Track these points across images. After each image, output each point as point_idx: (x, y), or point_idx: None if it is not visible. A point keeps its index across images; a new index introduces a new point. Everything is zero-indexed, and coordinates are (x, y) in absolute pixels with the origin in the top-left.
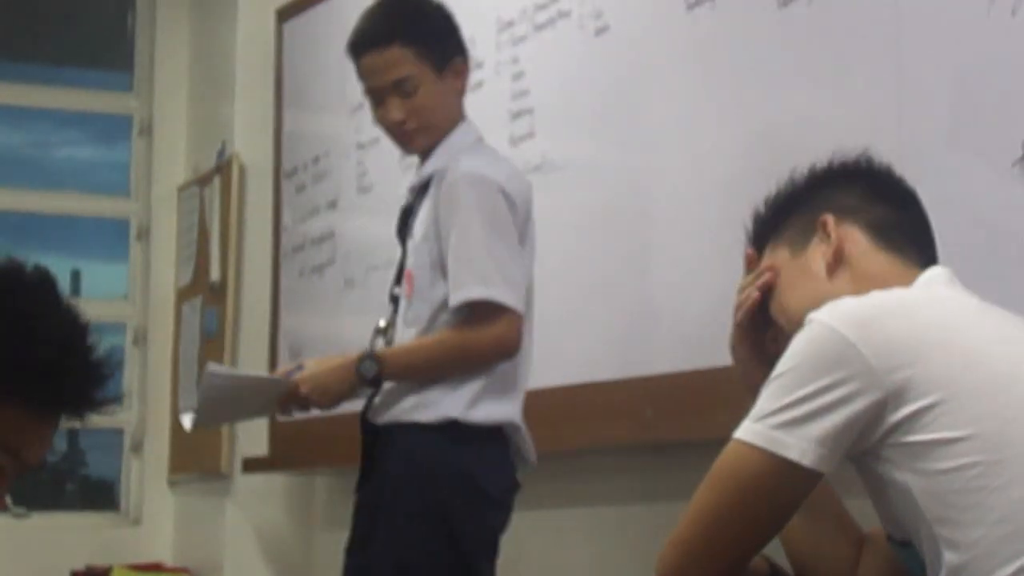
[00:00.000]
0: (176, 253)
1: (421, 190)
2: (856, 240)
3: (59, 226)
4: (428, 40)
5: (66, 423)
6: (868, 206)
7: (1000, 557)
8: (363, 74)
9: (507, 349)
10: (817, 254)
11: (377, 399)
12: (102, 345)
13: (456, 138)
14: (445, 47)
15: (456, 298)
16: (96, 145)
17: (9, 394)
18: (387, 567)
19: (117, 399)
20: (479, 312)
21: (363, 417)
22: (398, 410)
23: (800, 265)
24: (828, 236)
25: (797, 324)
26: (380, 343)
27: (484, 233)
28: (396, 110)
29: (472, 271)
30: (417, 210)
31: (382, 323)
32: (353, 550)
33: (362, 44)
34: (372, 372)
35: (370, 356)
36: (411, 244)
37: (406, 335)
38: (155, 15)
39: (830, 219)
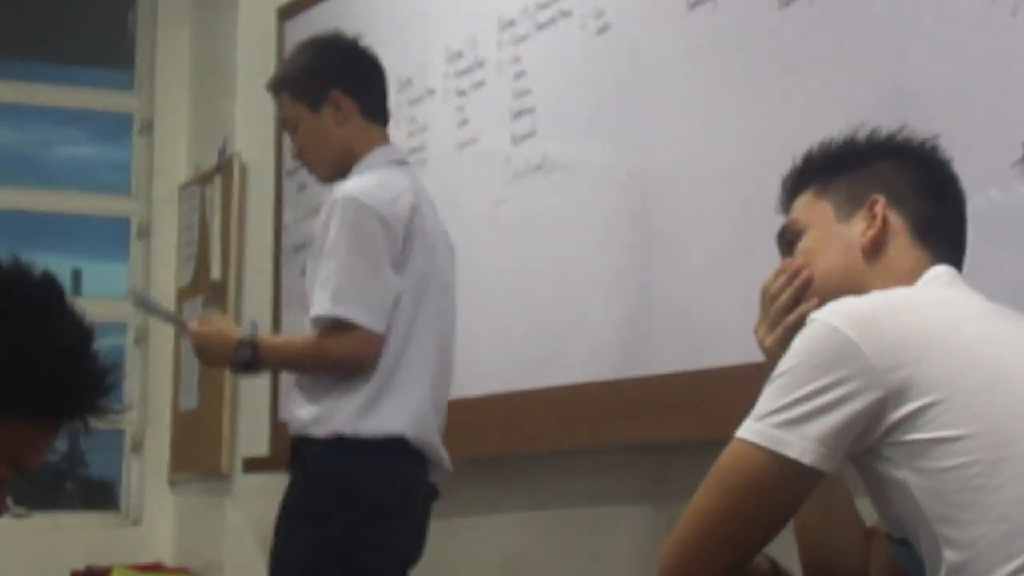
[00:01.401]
0: (177, 252)
1: None
2: (898, 231)
3: (60, 225)
4: (299, 81)
5: (68, 428)
6: (918, 198)
7: (1000, 555)
8: None
9: (354, 364)
10: (859, 231)
11: (288, 411)
12: (105, 350)
13: (365, 163)
14: (318, 84)
15: (311, 313)
16: (97, 144)
17: (15, 408)
18: (273, 568)
19: (119, 407)
20: (333, 327)
21: None
22: (298, 424)
23: (841, 233)
24: (874, 218)
25: (817, 289)
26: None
27: (348, 254)
28: (291, 148)
29: (329, 289)
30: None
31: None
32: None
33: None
34: (246, 356)
35: (249, 342)
36: (310, 261)
37: None
38: (156, 14)
39: (882, 201)
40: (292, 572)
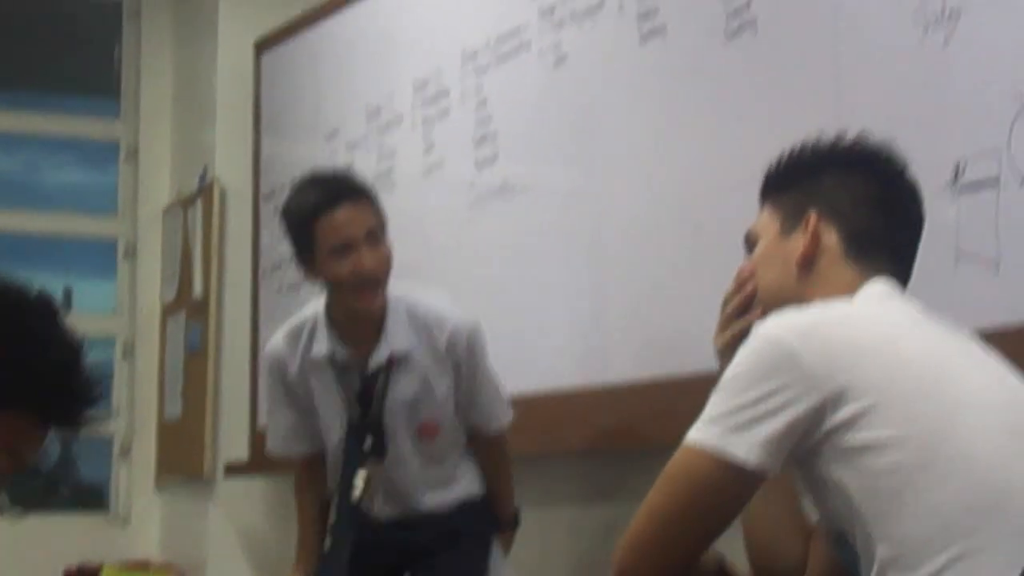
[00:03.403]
0: (161, 271)
1: None
2: (830, 247)
3: (51, 246)
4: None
5: (60, 430)
6: (858, 211)
7: (929, 550)
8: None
9: None
10: (797, 246)
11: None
12: (92, 364)
13: None
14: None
15: (497, 426)
16: (85, 169)
17: (19, 403)
18: None
19: (105, 414)
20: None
21: None
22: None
23: (782, 248)
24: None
25: (761, 301)
26: None
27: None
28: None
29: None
30: None
31: None
32: None
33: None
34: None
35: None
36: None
37: None
38: (140, 46)
39: (813, 218)
40: None
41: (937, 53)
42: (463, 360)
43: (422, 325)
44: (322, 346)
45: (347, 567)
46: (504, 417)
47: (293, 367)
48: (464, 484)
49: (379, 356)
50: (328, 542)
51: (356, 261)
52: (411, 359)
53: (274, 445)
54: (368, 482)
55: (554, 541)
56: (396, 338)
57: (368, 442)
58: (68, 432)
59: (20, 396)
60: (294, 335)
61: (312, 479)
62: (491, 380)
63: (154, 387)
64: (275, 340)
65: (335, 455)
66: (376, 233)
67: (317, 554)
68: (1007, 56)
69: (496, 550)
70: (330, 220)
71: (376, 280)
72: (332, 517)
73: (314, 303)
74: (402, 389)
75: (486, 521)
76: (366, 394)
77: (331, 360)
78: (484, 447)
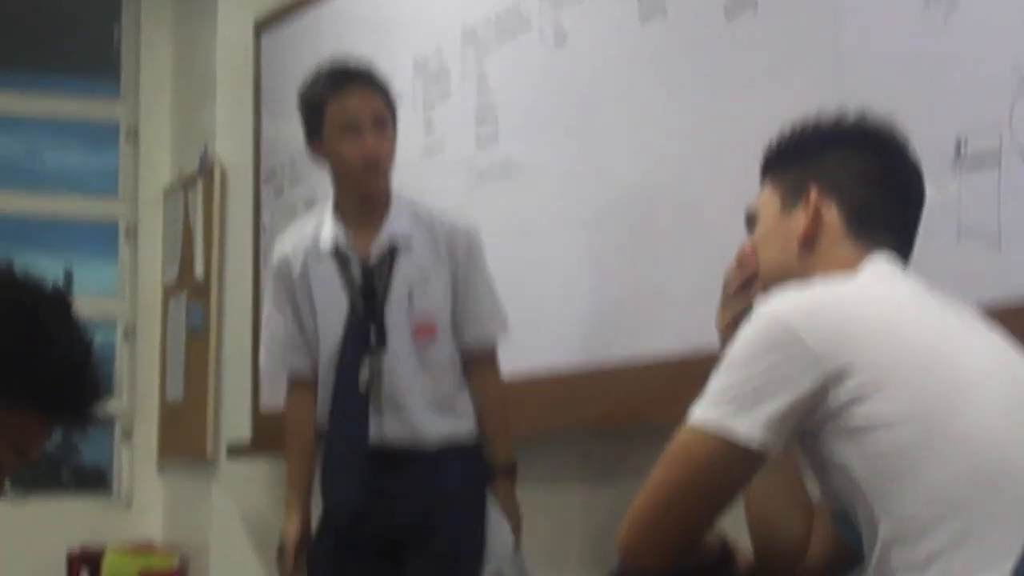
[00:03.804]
0: (162, 252)
1: None
2: (831, 222)
3: (52, 228)
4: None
5: (65, 427)
6: (858, 185)
7: (932, 527)
8: None
9: None
10: (797, 223)
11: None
12: (100, 361)
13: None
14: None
15: (492, 333)
16: (85, 150)
17: (27, 402)
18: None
19: (109, 415)
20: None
21: None
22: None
23: (783, 226)
24: (809, 211)
25: (762, 280)
26: None
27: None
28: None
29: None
30: None
31: None
32: None
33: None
34: None
35: None
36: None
37: None
38: (140, 27)
39: (814, 195)
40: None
41: (938, 29)
42: (461, 260)
43: (425, 221)
44: (327, 235)
45: (362, 466)
46: (499, 328)
47: (297, 267)
48: (463, 421)
49: (381, 241)
50: (329, 436)
51: (362, 144)
52: (411, 248)
53: (268, 363)
54: (373, 375)
55: (558, 520)
56: (397, 228)
57: (372, 334)
58: (77, 428)
59: (27, 395)
60: (299, 233)
61: (304, 406)
62: (488, 287)
63: (156, 369)
64: (279, 242)
65: (331, 359)
66: (384, 121)
67: (309, 493)
68: (1008, 31)
69: (493, 509)
70: (340, 101)
71: (379, 164)
72: (330, 410)
73: (319, 206)
74: (401, 277)
75: (483, 476)
76: (368, 285)
77: (335, 252)
78: (479, 371)
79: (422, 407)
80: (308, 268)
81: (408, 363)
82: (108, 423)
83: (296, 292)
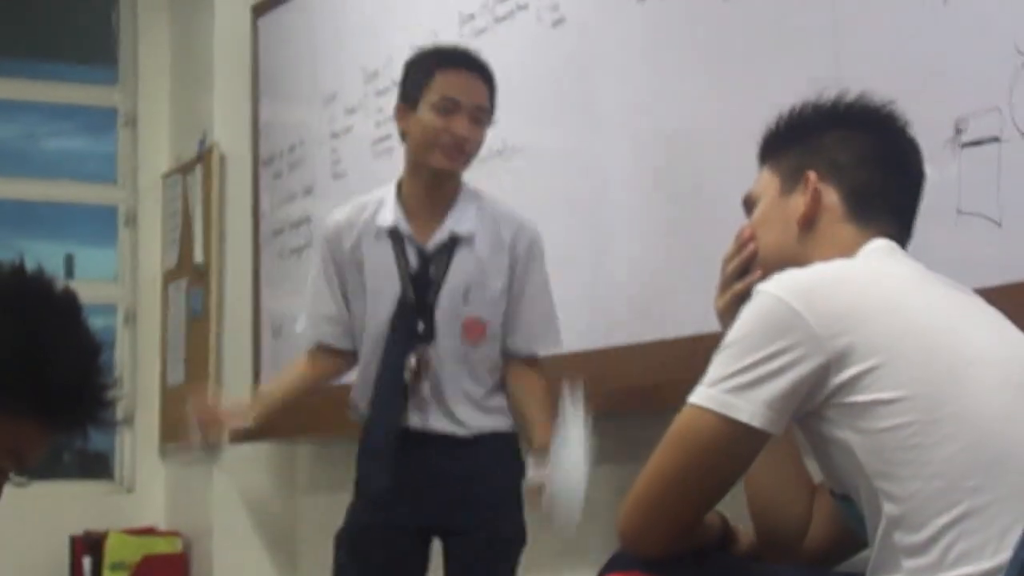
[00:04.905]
0: (162, 237)
1: None
2: (830, 206)
3: (52, 213)
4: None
5: (68, 434)
6: (858, 167)
7: (935, 508)
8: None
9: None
10: (797, 206)
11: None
12: (106, 367)
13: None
14: None
15: (545, 349)
16: (84, 136)
17: (28, 411)
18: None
19: (116, 420)
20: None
21: None
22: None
23: (783, 208)
24: (808, 193)
25: (761, 262)
26: None
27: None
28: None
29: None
30: None
31: None
32: None
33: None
34: None
35: None
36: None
37: None
38: (137, 12)
39: (813, 177)
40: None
41: (937, 9)
42: (521, 259)
43: (489, 216)
44: (388, 216)
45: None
46: (551, 345)
47: (349, 240)
48: (500, 418)
49: (441, 234)
50: (369, 422)
51: (456, 122)
52: (472, 244)
53: (305, 329)
54: (419, 366)
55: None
56: (461, 220)
57: (420, 325)
58: (81, 437)
59: (29, 404)
60: (358, 207)
61: (318, 367)
62: (545, 295)
63: (156, 354)
64: (334, 213)
65: (377, 336)
66: (482, 113)
67: (270, 402)
68: (1007, 12)
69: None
70: (449, 76)
71: (465, 147)
72: (371, 397)
73: (378, 189)
74: (458, 272)
75: (520, 460)
76: (423, 274)
77: (393, 231)
78: (519, 369)
79: (462, 402)
80: (361, 242)
81: (454, 359)
82: (112, 428)
83: (345, 265)
